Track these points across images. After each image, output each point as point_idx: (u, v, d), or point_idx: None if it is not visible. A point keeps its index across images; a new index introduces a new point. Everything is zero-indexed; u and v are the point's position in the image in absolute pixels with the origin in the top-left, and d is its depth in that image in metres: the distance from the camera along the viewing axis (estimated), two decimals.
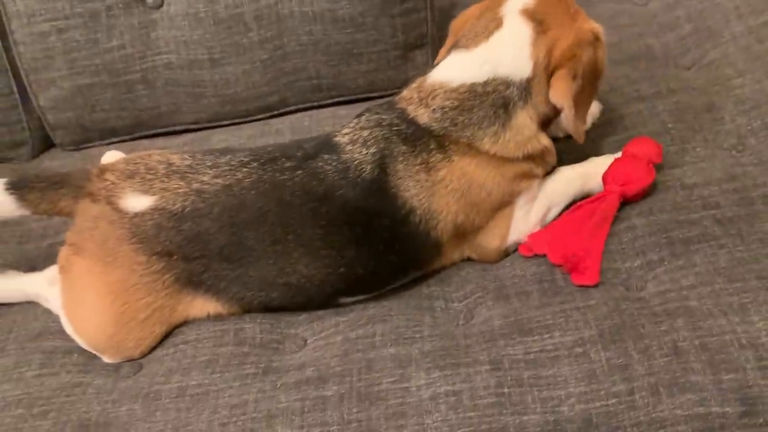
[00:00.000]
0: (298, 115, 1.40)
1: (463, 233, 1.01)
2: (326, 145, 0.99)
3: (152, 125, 1.39)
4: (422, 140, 0.97)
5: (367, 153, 0.97)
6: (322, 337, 0.98)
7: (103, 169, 1.00)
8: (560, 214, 1.05)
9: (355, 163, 0.96)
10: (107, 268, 0.96)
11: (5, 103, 1.36)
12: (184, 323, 1.03)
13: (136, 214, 0.94)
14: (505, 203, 1.01)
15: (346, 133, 1.00)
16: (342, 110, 1.38)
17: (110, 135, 1.40)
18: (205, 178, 0.96)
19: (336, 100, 1.40)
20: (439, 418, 0.83)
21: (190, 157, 0.99)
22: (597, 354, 0.85)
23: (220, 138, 1.37)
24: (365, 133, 0.99)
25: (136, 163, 0.99)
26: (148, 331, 0.99)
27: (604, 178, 1.03)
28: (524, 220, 1.03)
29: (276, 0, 1.28)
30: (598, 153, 1.13)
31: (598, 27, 1.02)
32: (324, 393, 0.89)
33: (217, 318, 1.02)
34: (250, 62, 1.32)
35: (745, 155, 1.07)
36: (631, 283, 0.95)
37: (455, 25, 1.08)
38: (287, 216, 0.95)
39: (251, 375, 0.93)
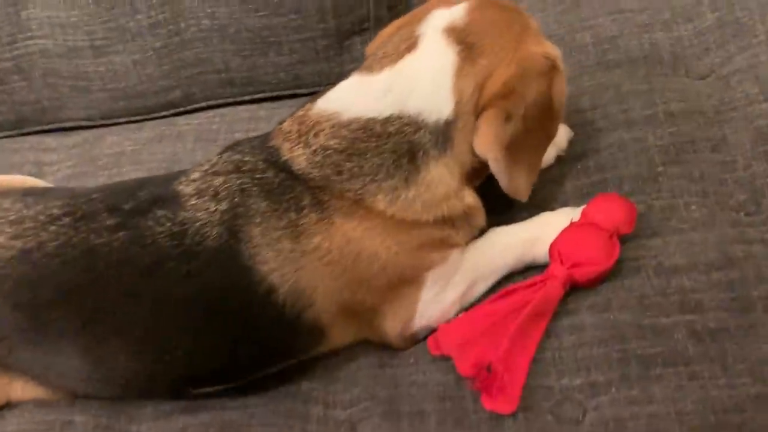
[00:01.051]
0: (209, 113, 1.14)
1: (352, 313, 0.77)
2: (163, 195, 0.74)
3: (37, 121, 1.16)
4: (292, 194, 0.71)
5: (215, 210, 0.72)
6: None
7: None
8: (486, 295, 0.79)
9: (197, 224, 0.71)
10: None
11: None
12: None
13: None
14: (407, 280, 0.75)
15: (193, 180, 0.75)
16: (262, 110, 1.12)
17: None
18: (1, 239, 0.73)
19: (254, 96, 1.13)
20: None
21: None
22: None
23: (113, 140, 1.13)
24: (218, 181, 0.73)
25: None
26: None
27: (551, 251, 0.76)
28: (436, 301, 0.77)
29: None
30: (554, 202, 0.85)
31: (554, 51, 0.73)
32: None
33: (47, 403, 0.82)
34: (141, 51, 1.06)
35: (755, 223, 0.78)
36: (565, 411, 0.69)
37: (370, 48, 0.80)
38: (100, 294, 0.72)
39: None
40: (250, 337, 0.75)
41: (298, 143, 0.74)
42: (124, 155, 1.09)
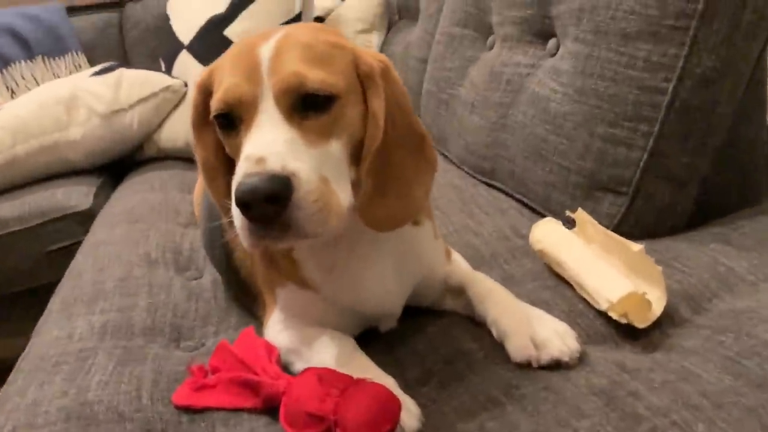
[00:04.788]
0: (495, 193, 1.23)
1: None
2: None
3: None
4: None
5: None
6: None
7: None
8: None
9: None
10: None
11: None
12: None
13: None
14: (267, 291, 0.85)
15: None
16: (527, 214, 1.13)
17: None
18: None
19: (522, 199, 1.16)
20: None
21: None
22: None
23: None
24: None
25: None
26: None
27: (302, 373, 0.69)
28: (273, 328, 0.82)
29: (527, 73, 1.18)
30: None
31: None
32: None
33: None
34: (484, 118, 1.27)
35: None
36: None
37: None
38: None
39: None
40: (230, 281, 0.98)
41: None
42: None
